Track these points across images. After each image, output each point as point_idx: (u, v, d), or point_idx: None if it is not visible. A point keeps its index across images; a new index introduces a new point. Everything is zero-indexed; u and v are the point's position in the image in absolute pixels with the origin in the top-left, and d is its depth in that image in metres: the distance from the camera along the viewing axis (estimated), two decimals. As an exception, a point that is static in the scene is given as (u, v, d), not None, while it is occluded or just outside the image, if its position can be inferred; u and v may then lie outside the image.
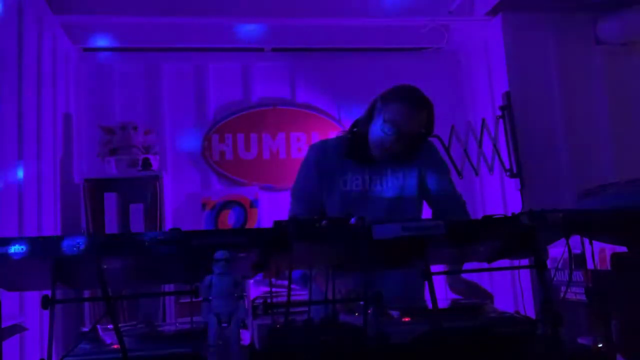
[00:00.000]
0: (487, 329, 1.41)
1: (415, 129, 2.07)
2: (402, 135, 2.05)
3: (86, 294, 2.18)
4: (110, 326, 1.30)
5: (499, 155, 3.56)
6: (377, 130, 2.09)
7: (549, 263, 1.42)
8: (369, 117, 2.14)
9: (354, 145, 2.15)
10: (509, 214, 1.40)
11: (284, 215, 2.03)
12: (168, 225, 3.64)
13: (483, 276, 3.82)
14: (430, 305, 1.32)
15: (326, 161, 2.15)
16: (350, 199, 2.11)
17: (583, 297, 2.27)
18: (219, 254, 1.15)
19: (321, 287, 1.60)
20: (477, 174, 3.61)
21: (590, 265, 2.21)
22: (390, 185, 2.14)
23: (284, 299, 1.29)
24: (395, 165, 2.15)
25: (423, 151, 2.19)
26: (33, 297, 2.69)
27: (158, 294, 2.99)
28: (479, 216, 1.42)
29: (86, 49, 3.86)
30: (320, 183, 2.14)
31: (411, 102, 2.06)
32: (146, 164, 3.60)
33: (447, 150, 3.35)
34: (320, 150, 2.21)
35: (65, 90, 3.67)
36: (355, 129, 2.20)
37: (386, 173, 2.15)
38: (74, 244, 1.14)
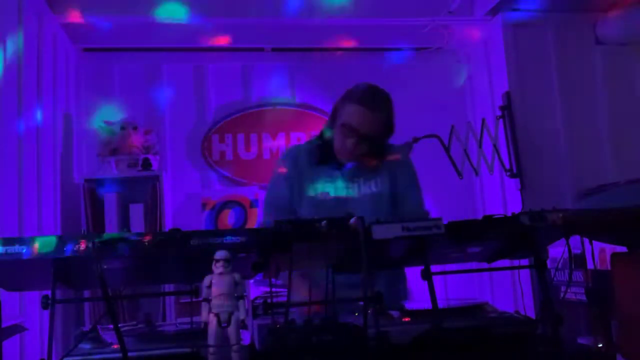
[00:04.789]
0: (487, 329, 1.41)
1: (373, 129, 2.02)
2: (361, 138, 2.00)
3: (86, 294, 2.18)
4: (110, 326, 1.30)
5: (499, 155, 3.56)
6: (338, 133, 2.05)
7: (549, 263, 1.42)
8: (332, 121, 2.10)
9: (323, 151, 2.10)
10: (509, 214, 1.40)
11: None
12: (168, 225, 3.64)
13: (483, 276, 3.83)
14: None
15: (297, 168, 2.10)
16: (322, 206, 2.04)
17: (583, 297, 2.27)
18: (219, 254, 1.15)
19: (301, 289, 1.59)
20: (477, 174, 3.61)
21: (590, 265, 2.21)
22: (362, 193, 2.08)
23: (284, 298, 1.29)
24: (368, 174, 2.10)
25: (398, 165, 2.14)
26: (33, 297, 2.69)
27: (158, 294, 2.99)
28: (479, 216, 1.42)
29: (86, 49, 3.86)
30: (291, 191, 2.08)
31: (365, 104, 2.00)
32: (146, 164, 3.60)
33: (447, 150, 3.34)
34: (292, 156, 2.15)
35: (65, 90, 3.67)
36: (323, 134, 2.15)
37: (358, 181, 2.09)
38: (74, 244, 1.14)
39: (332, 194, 2.06)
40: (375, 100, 2.04)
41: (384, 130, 2.08)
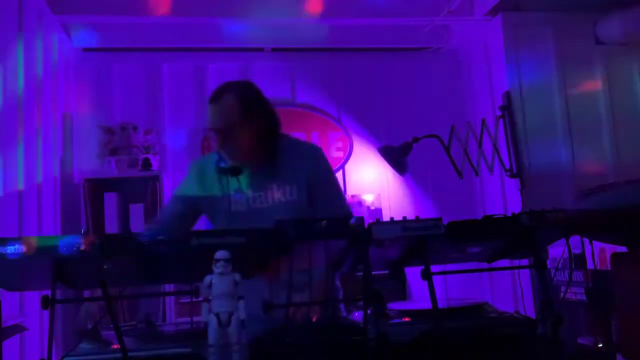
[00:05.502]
0: (487, 329, 1.41)
1: (223, 119, 1.98)
2: (218, 132, 1.97)
3: (86, 294, 2.18)
4: (110, 326, 1.30)
5: (499, 155, 3.56)
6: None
7: (549, 263, 1.42)
8: None
9: (221, 162, 2.00)
10: (509, 214, 1.39)
11: (284, 215, 1.99)
12: (168, 225, 3.63)
13: (483, 276, 3.83)
14: None
15: (206, 182, 2.02)
16: (237, 218, 1.95)
17: (583, 297, 2.27)
18: (219, 254, 1.15)
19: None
20: (477, 174, 3.61)
21: (590, 265, 2.21)
22: (276, 198, 1.97)
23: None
24: (276, 179, 1.98)
25: (308, 165, 2.02)
26: (33, 297, 2.69)
27: (158, 294, 2.99)
28: (479, 216, 1.42)
29: (86, 49, 3.86)
30: (196, 201, 2.02)
31: (211, 100, 2.03)
32: (146, 164, 3.61)
33: (447, 150, 3.34)
34: (199, 169, 2.07)
35: (65, 90, 3.67)
36: None
37: (269, 188, 1.98)
38: (73, 244, 1.14)
39: (245, 206, 1.97)
40: (218, 91, 2.03)
41: (244, 117, 1.98)
